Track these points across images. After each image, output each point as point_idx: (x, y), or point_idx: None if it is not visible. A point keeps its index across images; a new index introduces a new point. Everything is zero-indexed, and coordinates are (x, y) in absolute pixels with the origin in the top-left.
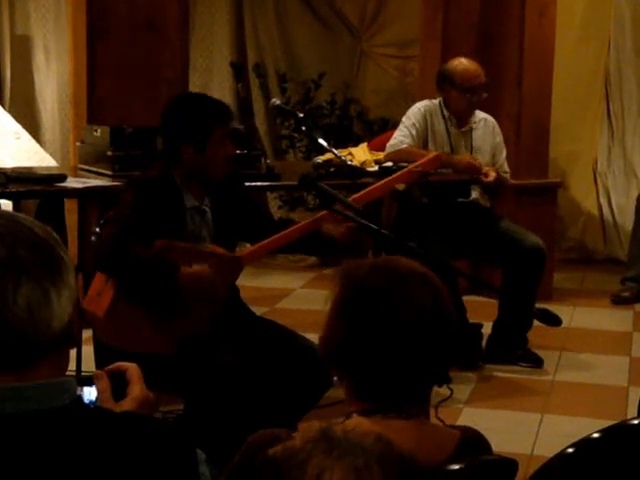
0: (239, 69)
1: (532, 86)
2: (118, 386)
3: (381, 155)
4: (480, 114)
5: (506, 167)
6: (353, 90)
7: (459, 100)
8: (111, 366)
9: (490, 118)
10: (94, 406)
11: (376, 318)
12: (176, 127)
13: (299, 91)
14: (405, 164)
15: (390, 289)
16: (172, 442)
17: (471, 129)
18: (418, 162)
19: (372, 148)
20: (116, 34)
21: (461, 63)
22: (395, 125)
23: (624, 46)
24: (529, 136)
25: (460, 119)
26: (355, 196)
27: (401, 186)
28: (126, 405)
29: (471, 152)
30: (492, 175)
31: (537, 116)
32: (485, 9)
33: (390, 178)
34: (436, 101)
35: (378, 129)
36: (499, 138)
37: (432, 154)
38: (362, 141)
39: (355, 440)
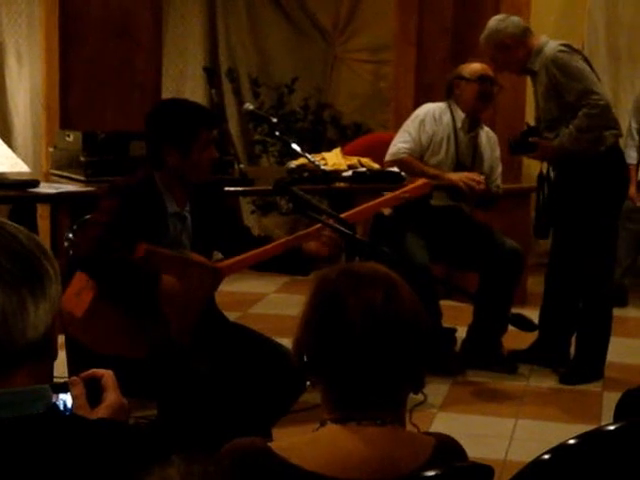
0: (212, 74)
1: (506, 92)
2: (93, 393)
3: (354, 160)
4: (484, 126)
5: (499, 182)
6: (326, 95)
7: (470, 90)
8: (86, 372)
9: (492, 132)
10: (69, 413)
11: (334, 323)
12: (161, 129)
13: (272, 96)
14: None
15: (348, 293)
16: (146, 449)
17: (478, 135)
18: (406, 188)
19: (346, 153)
20: (89, 39)
21: (468, 62)
22: (368, 130)
23: (598, 52)
24: (503, 141)
25: (473, 119)
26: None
27: (387, 210)
28: (101, 412)
29: (474, 158)
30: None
31: (511, 121)
32: (459, 13)
33: (377, 202)
34: (444, 103)
35: (352, 134)
36: (497, 152)
37: (421, 181)
38: (335, 146)
39: None
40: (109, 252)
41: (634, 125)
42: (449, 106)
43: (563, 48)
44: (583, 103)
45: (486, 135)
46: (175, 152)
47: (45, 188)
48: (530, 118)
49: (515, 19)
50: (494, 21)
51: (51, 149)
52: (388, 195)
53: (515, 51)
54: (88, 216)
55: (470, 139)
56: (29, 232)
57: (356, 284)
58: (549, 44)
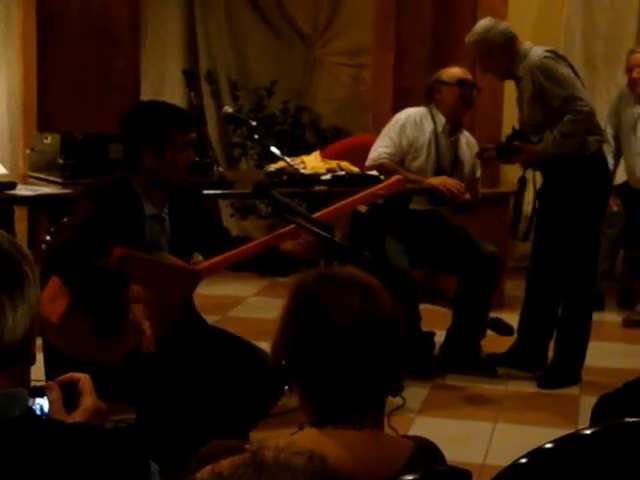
0: (191, 77)
1: (484, 96)
2: (70, 397)
3: (334, 163)
4: (464, 131)
5: (479, 186)
6: (305, 98)
7: (450, 94)
8: (63, 377)
9: (472, 137)
10: (46, 417)
11: (312, 328)
12: (137, 131)
13: (251, 99)
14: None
15: (326, 298)
16: (125, 453)
17: (458, 140)
18: (381, 185)
19: (325, 156)
20: (67, 41)
21: (447, 67)
22: (347, 134)
23: (574, 57)
24: (481, 146)
25: (454, 124)
26: (315, 215)
27: (363, 208)
28: (78, 416)
29: (454, 164)
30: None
31: (489, 126)
32: (437, 18)
33: (352, 199)
34: (424, 108)
35: (331, 137)
36: None
37: (395, 177)
38: (314, 149)
39: (285, 462)
40: (79, 254)
41: (610, 131)
42: (429, 111)
43: (548, 54)
44: (569, 109)
45: (466, 140)
46: (152, 154)
47: (23, 190)
48: (508, 122)
49: (503, 25)
50: (482, 27)
51: (28, 151)
52: (364, 192)
53: (502, 57)
54: (65, 219)
55: (451, 144)
56: (10, 236)
57: (334, 289)
58: (533, 50)
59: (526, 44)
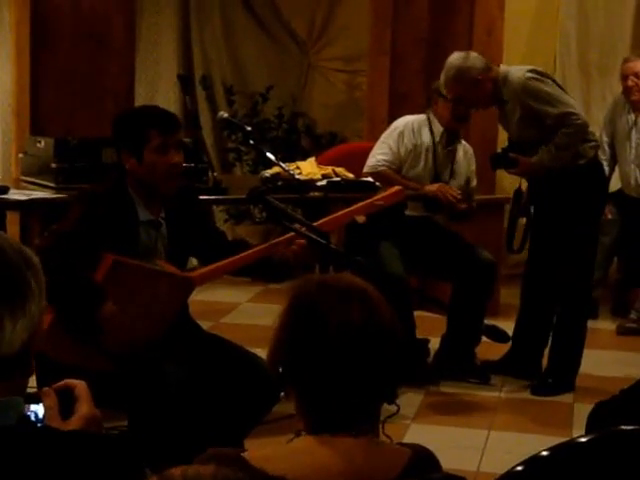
0: (186, 81)
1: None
2: (66, 403)
3: (329, 169)
4: (462, 141)
5: (474, 195)
6: (301, 104)
7: (445, 108)
8: (59, 383)
9: (469, 146)
10: (41, 425)
11: (312, 336)
12: (116, 133)
13: (246, 104)
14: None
15: (326, 307)
16: (120, 461)
17: (455, 150)
18: (380, 195)
19: (320, 162)
20: (60, 44)
21: None
22: (343, 139)
23: (569, 63)
24: (476, 153)
25: (451, 133)
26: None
27: (361, 218)
28: (74, 423)
29: (451, 173)
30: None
31: (484, 133)
32: (433, 24)
33: (351, 209)
34: (423, 116)
35: (326, 143)
36: (474, 166)
37: (395, 188)
38: (310, 155)
39: (193, 474)
40: (53, 263)
41: (605, 139)
42: (428, 118)
43: (531, 75)
44: (564, 123)
45: (463, 149)
46: (130, 155)
47: (15, 195)
48: (503, 132)
49: (475, 54)
50: (458, 60)
51: (21, 155)
52: (363, 202)
53: (486, 85)
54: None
55: (448, 153)
56: (19, 244)
57: (334, 297)
58: (511, 72)
59: (501, 68)
